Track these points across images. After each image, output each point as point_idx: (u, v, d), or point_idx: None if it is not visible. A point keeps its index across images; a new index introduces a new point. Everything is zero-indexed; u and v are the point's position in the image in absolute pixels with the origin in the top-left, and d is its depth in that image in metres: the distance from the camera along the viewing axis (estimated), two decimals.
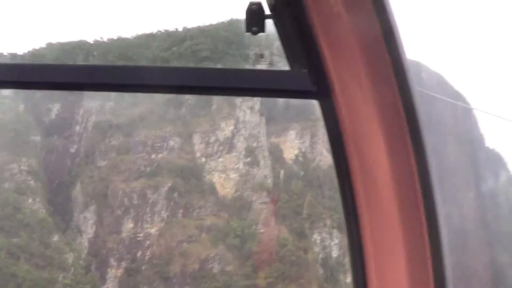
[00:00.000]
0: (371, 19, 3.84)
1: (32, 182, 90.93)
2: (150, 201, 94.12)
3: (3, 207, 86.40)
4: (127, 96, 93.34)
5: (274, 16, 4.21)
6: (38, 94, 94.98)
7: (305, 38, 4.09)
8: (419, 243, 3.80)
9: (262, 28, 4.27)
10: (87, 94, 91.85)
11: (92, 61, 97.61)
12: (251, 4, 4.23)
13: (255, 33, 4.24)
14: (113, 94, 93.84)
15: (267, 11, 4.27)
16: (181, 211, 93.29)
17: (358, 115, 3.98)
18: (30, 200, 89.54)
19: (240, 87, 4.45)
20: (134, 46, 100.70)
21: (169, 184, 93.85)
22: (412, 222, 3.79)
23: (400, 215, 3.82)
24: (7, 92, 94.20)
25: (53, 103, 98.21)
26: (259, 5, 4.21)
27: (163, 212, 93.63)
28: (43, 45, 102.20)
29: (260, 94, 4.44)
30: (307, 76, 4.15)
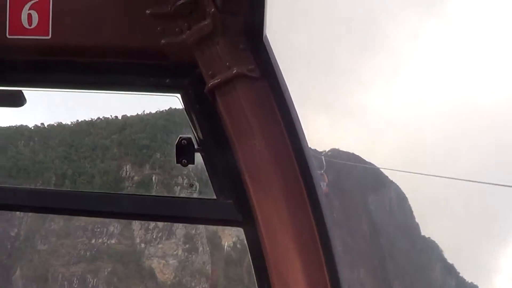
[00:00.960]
0: (288, 156, 4.14)
1: None
2: (90, 285, 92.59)
3: None
4: (68, 182, 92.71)
5: (202, 150, 4.44)
6: None
7: (230, 171, 4.32)
8: None
9: (191, 160, 4.49)
10: (30, 178, 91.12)
11: (33, 146, 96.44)
12: (181, 138, 4.46)
13: (184, 165, 4.47)
14: (53, 179, 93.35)
15: (196, 145, 4.50)
16: None
17: (278, 242, 4.21)
18: None
19: (170, 215, 4.67)
20: (75, 133, 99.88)
21: (109, 269, 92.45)
22: None
23: None
24: None
25: None
26: (189, 139, 4.44)
27: None
28: None
29: (189, 221, 4.65)
30: (232, 206, 4.38)
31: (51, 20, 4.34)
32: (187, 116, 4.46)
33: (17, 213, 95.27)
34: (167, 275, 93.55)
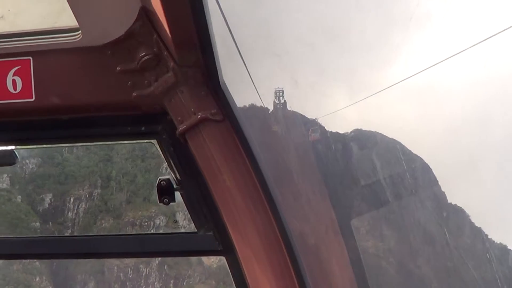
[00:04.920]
0: (254, 187, 4.26)
1: (37, 263, 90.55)
2: (144, 274, 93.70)
3: (15, 286, 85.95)
4: (113, 183, 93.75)
5: (180, 189, 4.55)
6: (31, 185, 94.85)
7: (207, 206, 4.44)
8: None
9: (172, 199, 4.61)
10: (78, 182, 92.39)
11: (77, 153, 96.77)
12: (160, 180, 4.57)
13: (166, 203, 4.59)
14: (99, 181, 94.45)
15: (174, 185, 4.62)
16: (172, 281, 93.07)
17: (254, 267, 4.34)
18: (37, 279, 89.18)
19: (157, 251, 4.82)
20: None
21: (159, 258, 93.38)
22: None
23: None
24: (3, 185, 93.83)
25: (45, 193, 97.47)
26: (167, 180, 4.55)
27: (156, 283, 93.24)
28: None
29: (175, 255, 4.83)
30: (212, 238, 4.50)
31: (33, 84, 4.47)
32: (164, 158, 4.59)
33: (69, 214, 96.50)
34: (212, 260, 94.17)
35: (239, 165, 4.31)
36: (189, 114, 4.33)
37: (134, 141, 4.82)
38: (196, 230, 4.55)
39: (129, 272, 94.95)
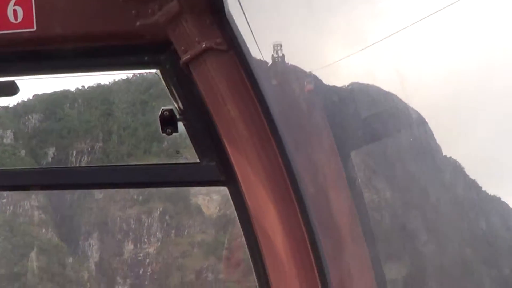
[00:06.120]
0: (258, 118, 4.15)
1: (42, 215, 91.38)
2: (146, 224, 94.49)
3: (22, 236, 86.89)
4: (114, 135, 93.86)
5: (183, 119, 4.44)
6: (34, 140, 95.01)
7: (210, 136, 4.34)
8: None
9: (175, 129, 4.50)
10: (80, 136, 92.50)
11: (78, 108, 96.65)
12: (163, 110, 4.47)
13: (169, 134, 4.49)
14: (100, 135, 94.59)
15: (177, 115, 4.50)
16: (173, 231, 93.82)
17: (257, 197, 4.26)
18: (43, 230, 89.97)
19: (159, 181, 4.72)
20: (114, 92, 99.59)
21: (161, 209, 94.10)
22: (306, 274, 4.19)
23: (297, 275, 4.22)
24: (8, 140, 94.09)
25: (48, 147, 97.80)
26: (171, 110, 4.45)
27: (158, 233, 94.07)
28: (31, 97, 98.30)
29: (177, 185, 4.73)
30: (215, 168, 4.41)
31: (35, 13, 4.34)
32: (166, 88, 4.48)
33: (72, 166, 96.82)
34: (212, 209, 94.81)
35: (243, 96, 4.21)
36: (193, 44, 4.22)
37: (137, 71, 4.71)
38: (199, 161, 4.46)
39: (132, 223, 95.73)
